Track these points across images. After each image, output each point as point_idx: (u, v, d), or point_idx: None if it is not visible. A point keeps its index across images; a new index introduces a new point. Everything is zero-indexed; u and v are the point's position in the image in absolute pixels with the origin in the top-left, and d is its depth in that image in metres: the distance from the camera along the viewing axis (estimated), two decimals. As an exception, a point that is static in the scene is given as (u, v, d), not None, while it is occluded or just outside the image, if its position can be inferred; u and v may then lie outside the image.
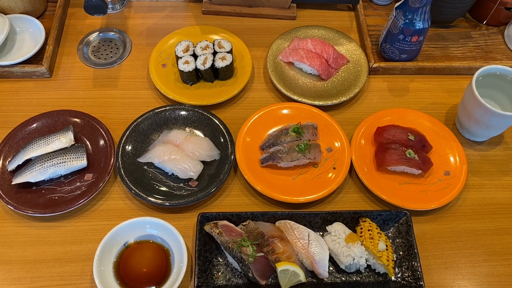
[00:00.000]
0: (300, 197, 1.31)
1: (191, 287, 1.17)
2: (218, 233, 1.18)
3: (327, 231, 1.25)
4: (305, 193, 1.32)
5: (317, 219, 1.27)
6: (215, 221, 1.22)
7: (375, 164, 1.38)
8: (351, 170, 1.38)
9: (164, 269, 1.19)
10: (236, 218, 1.24)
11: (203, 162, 1.35)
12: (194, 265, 1.15)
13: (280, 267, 1.15)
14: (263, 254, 1.17)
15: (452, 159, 1.41)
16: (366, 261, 1.21)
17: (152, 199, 1.28)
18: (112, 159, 1.33)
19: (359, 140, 1.43)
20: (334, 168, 1.40)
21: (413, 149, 1.33)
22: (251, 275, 1.16)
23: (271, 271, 1.19)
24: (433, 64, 1.51)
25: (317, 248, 1.21)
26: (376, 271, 1.23)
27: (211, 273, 1.19)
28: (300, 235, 1.23)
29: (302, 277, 1.17)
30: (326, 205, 1.35)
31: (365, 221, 1.27)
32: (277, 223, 1.24)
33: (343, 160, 1.39)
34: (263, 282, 1.21)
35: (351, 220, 1.27)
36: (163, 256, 1.22)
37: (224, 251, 1.19)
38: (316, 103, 1.47)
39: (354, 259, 1.19)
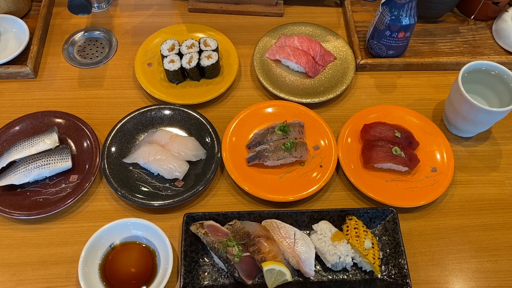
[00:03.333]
0: (287, 196, 1.30)
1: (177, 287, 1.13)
2: (204, 234, 1.17)
3: (313, 229, 1.23)
4: (292, 191, 1.31)
5: (303, 218, 1.27)
6: (201, 221, 1.21)
7: (362, 161, 1.37)
8: (338, 167, 1.37)
9: (150, 270, 1.18)
10: (223, 218, 1.23)
11: (189, 162, 1.33)
12: (180, 265, 1.14)
13: (266, 266, 1.15)
14: (249, 254, 1.16)
15: (439, 155, 1.40)
16: (353, 259, 1.20)
17: (138, 200, 1.27)
18: (97, 160, 1.32)
19: (346, 137, 1.42)
20: (321, 166, 1.39)
21: (400, 146, 1.32)
22: (237, 275, 1.15)
23: (257, 271, 1.18)
24: (420, 60, 1.50)
25: (303, 247, 1.20)
26: (363, 269, 1.22)
27: (197, 273, 1.18)
28: (286, 234, 1.22)
29: (288, 276, 1.17)
30: (313, 203, 1.34)
31: (351, 219, 1.26)
32: (263, 222, 1.23)
33: (330, 158, 1.38)
34: (249, 282, 1.20)
35: (338, 218, 1.26)
36: (149, 257, 1.21)
37: (210, 251, 1.18)
38: (303, 100, 1.46)
39: (340, 258, 1.19)
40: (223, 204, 1.33)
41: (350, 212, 1.28)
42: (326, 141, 1.42)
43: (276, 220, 1.25)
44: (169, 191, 1.31)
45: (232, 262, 1.14)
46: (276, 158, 1.36)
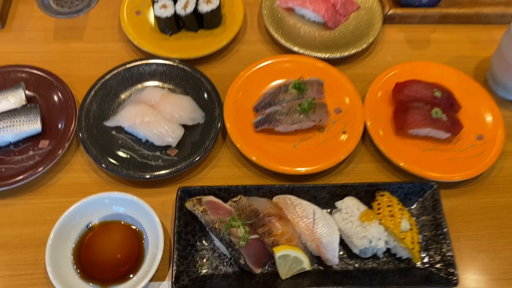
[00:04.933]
0: (303, 168, 1.15)
1: (169, 277, 1.03)
2: (202, 211, 1.03)
3: (337, 207, 1.09)
4: (308, 162, 1.16)
5: (323, 194, 1.11)
6: (198, 197, 1.07)
7: (394, 127, 1.22)
8: (365, 135, 1.22)
9: (135, 256, 1.04)
10: (225, 193, 1.09)
11: (184, 126, 1.18)
12: (173, 250, 1.01)
13: (279, 252, 1.01)
14: (258, 236, 1.02)
15: (485, 120, 1.23)
16: (386, 244, 1.04)
17: (122, 171, 1.11)
18: (74, 123, 1.16)
19: (373, 99, 1.26)
20: (344, 133, 1.23)
21: (440, 108, 1.19)
22: (242, 262, 1.01)
23: (267, 257, 1.04)
24: (459, 11, 1.37)
25: (325, 228, 1.05)
26: (397, 256, 1.07)
27: (194, 259, 1.04)
28: (303, 212, 1.06)
29: (306, 264, 1.03)
30: (334, 177, 1.20)
31: (383, 195, 1.10)
32: (274, 199, 1.09)
33: (355, 123, 1.22)
34: (258, 271, 1.05)
35: (366, 194, 1.11)
36: (134, 240, 1.07)
37: (210, 233, 1.04)
38: (322, 55, 1.30)
39: (370, 242, 1.03)
40: (225, 178, 1.19)
41: (381, 186, 1.11)
42: (350, 103, 1.25)
43: (290, 196, 1.09)
44: (159, 161, 1.16)
45: (236, 246, 1.00)
46: (290, 122, 1.19)
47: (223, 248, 1.04)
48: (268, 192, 1.10)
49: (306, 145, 1.22)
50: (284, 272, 1.02)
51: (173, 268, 0.99)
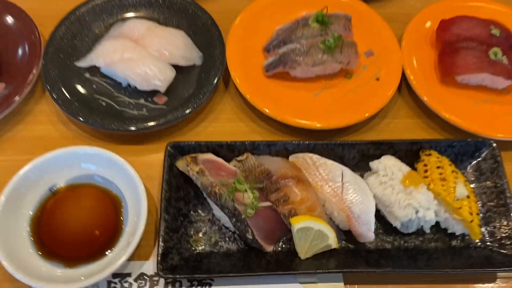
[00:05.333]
0: (326, 122, 0.99)
1: (154, 255, 0.88)
2: (198, 172, 0.87)
3: (371, 169, 0.93)
4: (332, 116, 1.00)
5: (352, 153, 0.95)
6: (193, 155, 0.91)
7: (439, 73, 1.05)
8: (403, 83, 1.07)
9: (111, 227, 0.88)
10: (227, 150, 0.94)
11: (175, 67, 1.01)
12: (160, 221, 0.86)
13: (297, 224, 0.84)
14: (270, 204, 0.87)
15: None
16: (436, 216, 0.86)
17: (96, 122, 0.96)
18: (38, 64, 0.99)
19: (413, 40, 1.09)
20: (378, 80, 1.05)
21: (500, 48, 1.02)
22: (250, 237, 0.85)
23: (282, 231, 0.89)
24: None
25: (357, 194, 0.87)
26: (448, 232, 0.90)
27: (187, 233, 0.90)
28: (328, 174, 0.89)
29: (332, 241, 0.86)
30: (363, 135, 1.04)
31: (430, 154, 0.93)
32: (291, 158, 0.94)
33: (390, 69, 1.05)
34: (269, 248, 0.89)
35: (407, 155, 0.95)
36: (110, 208, 0.90)
37: (208, 199, 0.90)
38: None
39: (417, 212, 0.85)
40: (227, 134, 1.03)
41: (426, 145, 0.95)
42: (384, 45, 1.08)
43: (311, 155, 0.93)
44: (144, 110, 1.00)
45: (242, 216, 0.84)
46: (310, 64, 1.00)
47: (224, 219, 0.88)
48: (283, 151, 0.94)
49: (329, 94, 1.05)
50: (304, 250, 0.85)
51: (159, 243, 0.84)
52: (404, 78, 1.06)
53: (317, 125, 0.99)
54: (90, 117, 0.96)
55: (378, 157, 0.94)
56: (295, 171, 0.90)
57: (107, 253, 0.86)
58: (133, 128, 0.96)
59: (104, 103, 1.00)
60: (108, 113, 0.98)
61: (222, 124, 1.05)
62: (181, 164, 0.91)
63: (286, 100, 1.03)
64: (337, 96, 1.05)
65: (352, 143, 0.95)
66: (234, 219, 0.85)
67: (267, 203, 0.87)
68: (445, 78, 1.05)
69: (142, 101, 1.01)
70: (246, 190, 0.85)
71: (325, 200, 0.89)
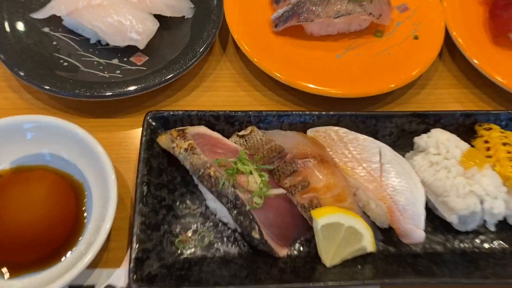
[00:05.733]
0: (350, 89, 0.85)
1: (127, 262, 0.72)
2: (187, 149, 0.72)
3: (417, 147, 0.78)
4: (359, 82, 0.87)
5: (388, 128, 0.81)
6: (181, 128, 0.77)
7: (491, 31, 0.93)
8: (447, 43, 0.94)
9: (68, 224, 0.72)
10: (226, 123, 0.81)
11: (159, 19, 0.88)
12: (134, 216, 0.70)
13: (322, 218, 0.67)
14: (284, 191, 0.72)
15: None
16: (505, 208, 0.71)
17: (56, 87, 0.81)
18: None
19: None
20: (416, 38, 0.92)
21: None
22: (257, 236, 0.69)
23: (299, 229, 0.73)
24: None
25: (401, 179, 0.71)
26: None
27: (171, 232, 0.74)
28: (361, 153, 0.74)
29: (368, 241, 0.69)
30: (398, 108, 0.90)
31: (490, 129, 0.77)
32: (310, 133, 0.79)
33: (431, 26, 0.92)
34: (283, 252, 0.72)
35: (458, 129, 0.81)
36: (68, 198, 0.74)
37: (200, 185, 0.76)
38: None
39: (485, 202, 0.69)
40: (226, 105, 0.90)
41: (483, 117, 0.80)
42: None
43: (338, 128, 0.78)
44: (117, 73, 0.86)
45: (247, 208, 0.69)
46: (332, 14, 0.86)
47: (222, 212, 0.74)
48: (298, 124, 0.81)
49: (355, 56, 0.91)
50: (330, 254, 0.69)
51: (133, 245, 0.69)
52: (447, 36, 0.93)
53: (340, 92, 0.85)
54: (47, 80, 0.82)
55: (421, 133, 0.80)
56: (317, 149, 0.75)
57: (63, 258, 0.71)
58: (103, 95, 0.82)
59: (66, 64, 0.87)
60: (71, 77, 0.84)
61: (219, 93, 0.91)
62: (164, 140, 0.77)
63: (301, 62, 0.90)
64: (365, 58, 0.92)
65: (388, 115, 0.81)
66: (235, 212, 0.70)
67: (280, 190, 0.72)
68: (498, 38, 0.93)
69: (115, 61, 0.87)
70: (251, 173, 0.70)
71: (357, 186, 0.74)
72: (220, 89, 0.91)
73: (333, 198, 0.70)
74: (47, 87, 0.80)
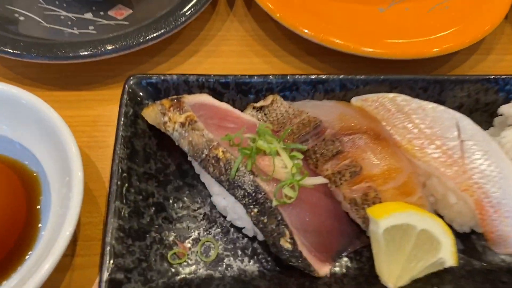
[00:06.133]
0: (400, 50, 0.69)
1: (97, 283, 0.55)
2: (184, 124, 0.54)
3: (502, 121, 0.62)
4: (409, 41, 0.70)
5: (458, 96, 0.63)
6: (176, 97, 0.59)
7: None
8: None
9: (15, 229, 0.55)
10: (237, 90, 0.62)
11: None
12: (107, 218, 0.52)
13: (386, 217, 0.48)
14: (325, 180, 0.52)
15: None
16: None
17: (9, 48, 0.65)
18: None
19: None
20: None
21: None
22: (288, 246, 0.49)
23: (346, 236, 0.54)
24: None
25: (490, 161, 0.52)
26: None
27: (162, 241, 0.55)
28: (432, 127, 0.55)
29: (447, 252, 0.50)
30: (454, 70, 0.74)
31: None
32: (356, 101, 0.61)
33: None
34: (324, 270, 0.52)
35: None
36: (16, 194, 0.57)
37: (202, 174, 0.58)
38: None
39: None
40: (236, 70, 0.72)
41: None
42: None
43: (396, 95, 0.59)
44: (91, 29, 0.69)
45: (273, 204, 0.50)
46: None
47: (235, 212, 0.55)
48: (337, 92, 0.63)
49: (403, 10, 0.76)
50: (396, 271, 0.49)
51: (105, 260, 0.49)
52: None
53: (385, 52, 0.69)
54: (7, 41, 0.67)
55: (501, 105, 0.63)
56: (368, 122, 0.57)
57: (3, 284, 0.54)
58: (70, 56, 0.66)
59: (23, 18, 0.71)
60: (29, 34, 0.69)
61: (225, 59, 0.75)
62: (152, 113, 0.59)
63: (335, 17, 0.75)
64: (415, 13, 0.77)
65: (459, 79, 0.64)
66: (255, 211, 0.50)
67: (320, 179, 0.52)
68: None
69: (88, 15, 0.72)
70: (277, 154, 0.50)
71: (429, 173, 0.55)
72: (226, 55, 0.75)
73: (396, 190, 0.51)
74: (7, 51, 0.64)
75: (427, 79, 0.63)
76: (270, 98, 0.61)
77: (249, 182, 0.50)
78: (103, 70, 0.71)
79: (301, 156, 0.51)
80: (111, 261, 0.49)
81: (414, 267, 0.50)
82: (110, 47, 0.65)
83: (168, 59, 0.73)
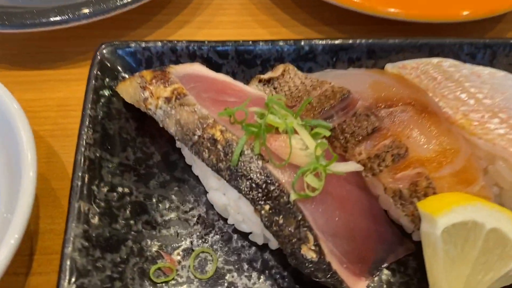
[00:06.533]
0: (430, 11, 0.60)
1: None
2: (170, 99, 0.44)
3: None
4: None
5: None
6: (161, 67, 0.50)
7: None
8: None
9: None
10: (238, 60, 0.52)
11: None
12: (67, 222, 0.42)
13: (446, 213, 0.37)
14: (358, 166, 0.41)
15: None
16: None
17: None
18: None
19: None
20: None
21: None
22: (311, 256, 0.39)
23: (386, 242, 0.43)
24: None
25: None
26: None
27: (142, 254, 0.44)
28: (490, 96, 0.45)
29: None
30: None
31: None
32: (391, 68, 0.51)
33: None
34: (359, 286, 0.41)
35: None
36: None
37: (194, 162, 0.47)
38: None
39: None
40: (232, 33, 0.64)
41: None
42: None
43: (441, 60, 0.50)
44: None
45: (290, 199, 0.39)
46: None
47: (239, 212, 0.44)
48: (365, 60, 0.52)
49: None
50: (460, 286, 0.38)
51: (63, 280, 0.38)
52: None
53: (418, 14, 0.60)
54: None
55: None
56: (410, 92, 0.46)
57: None
58: (28, 24, 0.56)
59: None
60: None
61: (223, 31, 0.65)
62: (129, 88, 0.48)
63: None
64: None
65: None
66: (266, 208, 0.39)
67: (352, 165, 0.40)
68: None
69: None
70: (293, 132, 0.40)
71: (493, 156, 0.44)
72: (224, 26, 0.66)
73: (453, 177, 0.42)
74: None
75: (475, 42, 0.54)
76: (280, 68, 0.52)
77: (257, 170, 0.40)
78: (72, 45, 0.64)
79: (328, 133, 0.39)
80: (72, 280, 0.39)
81: (482, 280, 0.40)
82: (82, 12, 0.54)
83: (153, 31, 0.64)
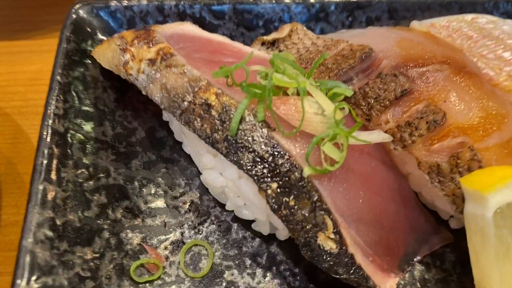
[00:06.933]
0: None
1: None
2: (154, 61, 0.39)
3: None
4: None
5: None
6: (146, 27, 0.44)
7: None
8: None
9: None
10: (237, 22, 0.46)
11: None
12: (27, 207, 0.36)
13: (497, 189, 0.31)
14: (386, 135, 0.34)
15: None
16: None
17: None
18: None
19: None
20: None
21: None
22: (331, 247, 0.33)
23: (418, 229, 0.37)
24: None
25: None
26: None
27: (122, 247, 0.38)
28: None
29: None
30: None
31: None
32: (418, 25, 0.45)
33: None
34: (388, 283, 0.35)
35: None
36: None
37: (185, 136, 0.41)
38: None
39: None
40: None
41: None
42: None
43: (476, 16, 0.45)
44: None
45: (305, 174, 0.33)
46: None
47: (239, 195, 0.38)
48: (385, 19, 0.45)
49: None
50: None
51: (19, 279, 0.32)
52: None
53: None
54: None
55: None
56: (443, 49, 0.40)
57: None
58: None
59: None
60: None
61: None
62: (107, 52, 0.44)
63: None
64: None
65: None
66: (275, 185, 0.33)
67: (379, 134, 0.34)
68: None
69: None
70: (305, 93, 0.32)
71: None
72: None
73: (501, 148, 0.37)
74: None
75: (512, -1, 0.45)
76: (287, 28, 0.51)
77: (261, 140, 0.36)
78: (47, 13, 0.57)
79: (350, 92, 0.33)
80: (32, 279, 0.35)
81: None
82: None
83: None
